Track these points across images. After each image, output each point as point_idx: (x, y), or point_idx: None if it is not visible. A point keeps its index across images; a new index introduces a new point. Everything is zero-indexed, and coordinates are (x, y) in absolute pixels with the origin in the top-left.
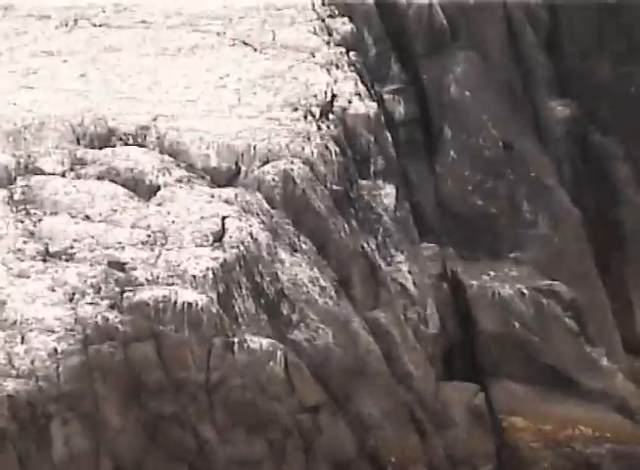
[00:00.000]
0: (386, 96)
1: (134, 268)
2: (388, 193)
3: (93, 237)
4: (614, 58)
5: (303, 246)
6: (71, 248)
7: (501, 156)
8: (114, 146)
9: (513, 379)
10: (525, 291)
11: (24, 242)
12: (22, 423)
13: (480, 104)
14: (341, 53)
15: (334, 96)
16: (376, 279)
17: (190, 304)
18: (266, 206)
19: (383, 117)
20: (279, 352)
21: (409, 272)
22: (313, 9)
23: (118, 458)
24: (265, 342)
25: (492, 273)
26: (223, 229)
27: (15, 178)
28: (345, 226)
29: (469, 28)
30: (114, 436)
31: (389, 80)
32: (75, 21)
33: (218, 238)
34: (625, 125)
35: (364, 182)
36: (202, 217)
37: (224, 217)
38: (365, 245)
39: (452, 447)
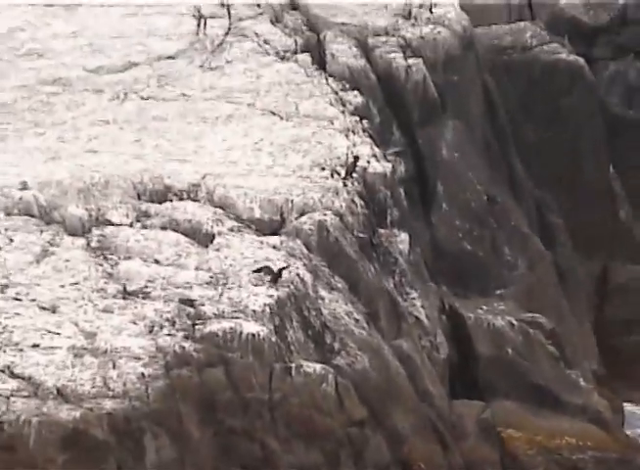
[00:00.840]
0: (389, 157)
1: (202, 304)
2: (402, 239)
3: (164, 278)
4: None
5: (338, 285)
6: (146, 287)
7: (485, 207)
8: (170, 200)
9: (507, 397)
10: (514, 322)
11: (105, 282)
12: (119, 436)
13: (467, 164)
14: (355, 121)
15: (355, 158)
16: (397, 313)
17: (253, 334)
18: (306, 251)
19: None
20: (330, 376)
21: (422, 307)
22: (327, 83)
23: (199, 466)
24: (318, 367)
25: (484, 307)
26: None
27: (90, 228)
28: (371, 268)
29: (455, 100)
30: (194, 447)
31: (392, 144)
32: (125, 94)
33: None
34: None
35: (383, 231)
36: (255, 261)
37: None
38: (386, 284)
39: (467, 455)
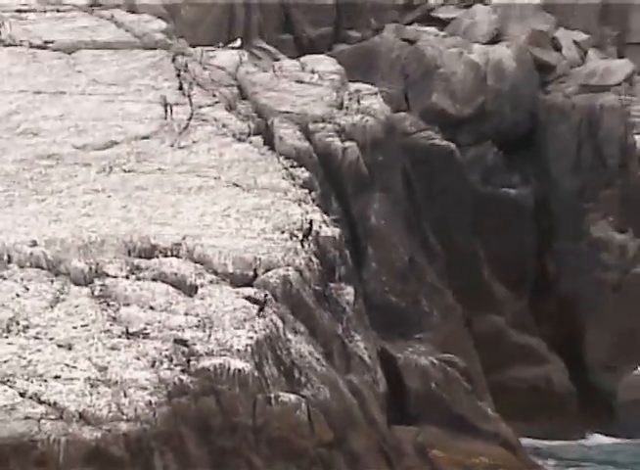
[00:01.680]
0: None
1: (194, 344)
2: (348, 292)
3: (159, 322)
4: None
5: (301, 329)
6: (145, 329)
7: (407, 267)
8: (157, 257)
9: (432, 424)
10: (435, 361)
11: (110, 325)
12: (133, 454)
13: (391, 230)
14: (304, 193)
15: (310, 223)
16: (346, 353)
17: (239, 369)
18: (274, 301)
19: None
20: (302, 404)
21: (365, 348)
22: (278, 161)
23: None
24: (293, 396)
25: (410, 349)
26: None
27: (92, 279)
28: (325, 315)
29: (381, 176)
30: (193, 463)
31: (331, 212)
32: (110, 168)
33: (250, 324)
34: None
35: (333, 284)
36: (234, 308)
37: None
38: (337, 328)
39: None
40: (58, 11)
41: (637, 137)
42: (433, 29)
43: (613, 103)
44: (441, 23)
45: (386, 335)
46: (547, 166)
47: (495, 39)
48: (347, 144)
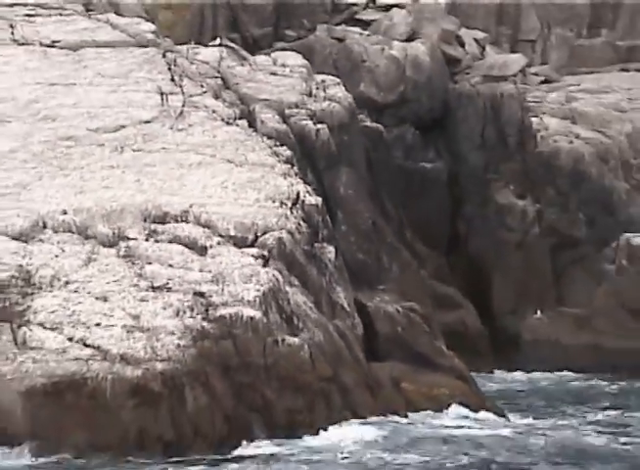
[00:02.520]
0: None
1: (211, 296)
2: (330, 251)
3: (179, 277)
4: None
5: (295, 283)
6: (168, 284)
7: (370, 229)
8: (169, 222)
9: (399, 361)
10: (400, 309)
11: (137, 280)
12: (168, 389)
13: (357, 198)
14: (288, 168)
15: (297, 193)
16: (331, 302)
17: (250, 317)
18: (271, 259)
19: None
20: (305, 345)
21: (345, 298)
22: (263, 141)
23: (222, 409)
24: (296, 339)
25: (377, 298)
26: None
27: (117, 242)
28: (314, 271)
29: (346, 154)
30: (218, 396)
31: (307, 183)
32: (122, 147)
33: (256, 279)
34: None
35: (317, 244)
36: (242, 265)
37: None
38: (323, 282)
39: (386, 400)
40: (60, 14)
41: (533, 119)
42: (357, 30)
43: (511, 90)
44: (365, 24)
45: (356, 286)
46: (457, 144)
47: (411, 37)
48: (319, 126)
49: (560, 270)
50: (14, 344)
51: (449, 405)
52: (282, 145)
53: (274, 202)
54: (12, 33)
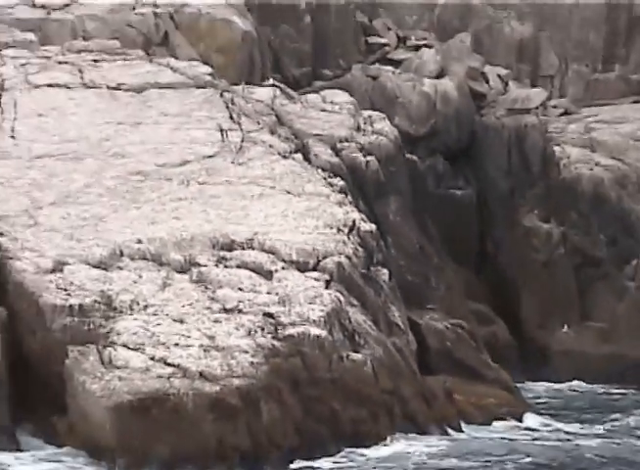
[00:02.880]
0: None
1: (279, 316)
2: (384, 273)
3: (249, 300)
4: None
5: (355, 303)
6: (238, 306)
7: (418, 252)
8: (236, 249)
9: (448, 374)
10: (448, 325)
11: (210, 303)
12: (245, 402)
13: (405, 224)
14: (342, 197)
15: (353, 220)
16: (388, 321)
17: (317, 335)
18: (332, 282)
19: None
20: (368, 360)
21: (399, 317)
22: (317, 173)
23: (293, 421)
24: (360, 355)
25: (427, 316)
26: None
27: (189, 268)
28: (371, 292)
29: (393, 183)
30: (289, 409)
31: (360, 211)
32: (188, 181)
33: (319, 300)
34: None
35: (373, 268)
36: (305, 288)
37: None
38: (379, 302)
39: (440, 411)
40: (124, 59)
41: (555, 148)
42: (390, 68)
43: (534, 122)
44: (396, 63)
45: (407, 306)
46: (485, 172)
47: (440, 75)
48: (368, 158)
49: (584, 287)
50: (100, 363)
51: (499, 415)
52: (335, 176)
53: (332, 228)
54: (81, 78)
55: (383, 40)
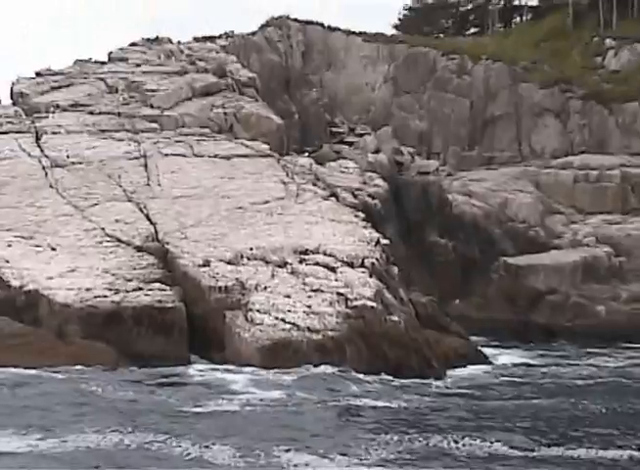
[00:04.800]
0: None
1: (347, 294)
2: (395, 269)
3: (326, 284)
4: None
5: (384, 286)
6: (320, 288)
7: (403, 257)
8: (310, 254)
9: (430, 329)
10: (426, 300)
11: (302, 286)
12: (337, 346)
13: (395, 240)
14: (365, 224)
15: (378, 238)
16: (400, 298)
17: (371, 306)
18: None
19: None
20: (401, 321)
21: (404, 295)
22: (347, 209)
23: (362, 357)
24: (395, 318)
25: (413, 294)
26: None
27: (284, 265)
28: (390, 280)
29: (387, 214)
30: (360, 350)
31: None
32: (272, 213)
33: (368, 285)
34: None
35: (390, 265)
36: (358, 278)
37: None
38: (394, 285)
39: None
40: (215, 139)
41: (447, 195)
42: (346, 147)
43: (433, 180)
44: (350, 144)
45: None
46: (405, 210)
47: (376, 151)
48: (374, 201)
49: (467, 277)
50: (246, 321)
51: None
52: (358, 210)
53: (364, 242)
54: (192, 150)
55: (340, 130)
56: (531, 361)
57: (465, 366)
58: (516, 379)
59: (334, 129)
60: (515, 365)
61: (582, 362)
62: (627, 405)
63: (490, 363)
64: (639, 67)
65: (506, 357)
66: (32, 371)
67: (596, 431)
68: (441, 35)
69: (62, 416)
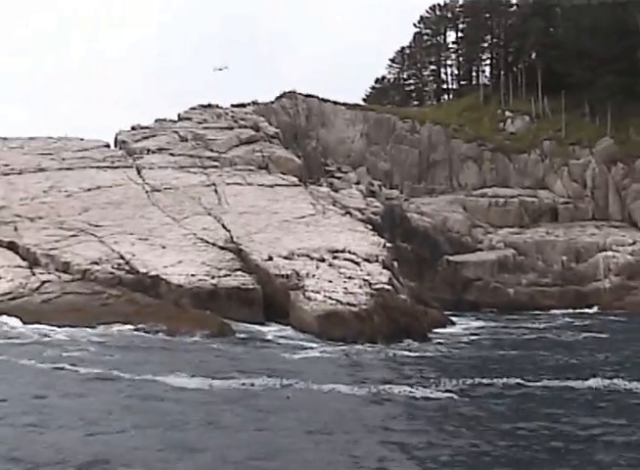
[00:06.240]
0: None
1: (370, 280)
2: (395, 263)
3: (355, 273)
4: None
5: (392, 275)
6: (351, 276)
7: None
8: (338, 252)
9: (418, 304)
10: (414, 284)
11: (339, 275)
12: (367, 314)
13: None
14: (373, 232)
15: (385, 243)
16: (400, 282)
17: (387, 289)
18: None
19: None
20: (407, 297)
21: (402, 281)
22: (359, 223)
23: (383, 324)
24: (403, 296)
25: (404, 280)
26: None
27: (323, 260)
28: (395, 270)
29: (385, 224)
30: (382, 318)
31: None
32: (308, 225)
33: (383, 274)
34: None
35: (394, 260)
36: (375, 268)
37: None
38: (396, 274)
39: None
40: (260, 174)
41: (407, 214)
42: (337, 180)
43: (396, 203)
44: (338, 178)
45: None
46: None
47: (357, 183)
48: (376, 217)
49: (422, 271)
50: (304, 298)
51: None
52: (367, 223)
53: (374, 244)
54: (245, 181)
55: (331, 168)
56: (483, 323)
57: (444, 327)
58: (478, 334)
59: (327, 168)
60: (474, 327)
61: (514, 325)
62: (558, 349)
63: (455, 325)
64: (528, 130)
65: (463, 321)
66: (175, 337)
67: (544, 367)
68: (394, 106)
69: (213, 365)
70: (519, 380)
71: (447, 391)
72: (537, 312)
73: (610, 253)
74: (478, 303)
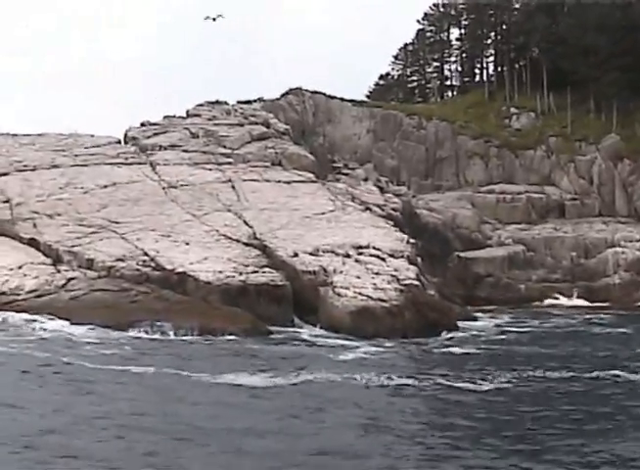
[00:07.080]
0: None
1: (398, 276)
2: (419, 258)
3: (382, 269)
4: None
5: (417, 270)
6: (378, 271)
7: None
8: (362, 248)
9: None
10: (436, 280)
11: (366, 270)
12: (398, 309)
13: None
14: (395, 228)
15: (408, 238)
16: (425, 278)
17: (416, 284)
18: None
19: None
20: (435, 293)
21: (426, 276)
22: (380, 218)
23: (412, 319)
24: (431, 291)
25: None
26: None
27: (348, 255)
28: (419, 265)
29: (406, 221)
30: (411, 313)
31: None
32: (329, 221)
33: (412, 269)
34: None
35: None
36: (402, 264)
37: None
38: (421, 268)
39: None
40: (275, 170)
41: (416, 210)
42: (345, 176)
43: (405, 199)
44: (346, 174)
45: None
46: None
47: (365, 179)
48: (396, 213)
49: (433, 266)
50: (334, 294)
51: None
52: (388, 219)
53: (399, 240)
54: (262, 177)
55: (338, 165)
56: (507, 318)
57: (470, 322)
58: (508, 328)
59: (334, 165)
60: (502, 322)
61: (539, 320)
62: (581, 341)
63: (478, 320)
64: (533, 127)
65: (484, 316)
66: (210, 335)
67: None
68: (398, 103)
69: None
70: (572, 373)
71: (507, 383)
72: (550, 305)
73: (618, 249)
74: (490, 298)
